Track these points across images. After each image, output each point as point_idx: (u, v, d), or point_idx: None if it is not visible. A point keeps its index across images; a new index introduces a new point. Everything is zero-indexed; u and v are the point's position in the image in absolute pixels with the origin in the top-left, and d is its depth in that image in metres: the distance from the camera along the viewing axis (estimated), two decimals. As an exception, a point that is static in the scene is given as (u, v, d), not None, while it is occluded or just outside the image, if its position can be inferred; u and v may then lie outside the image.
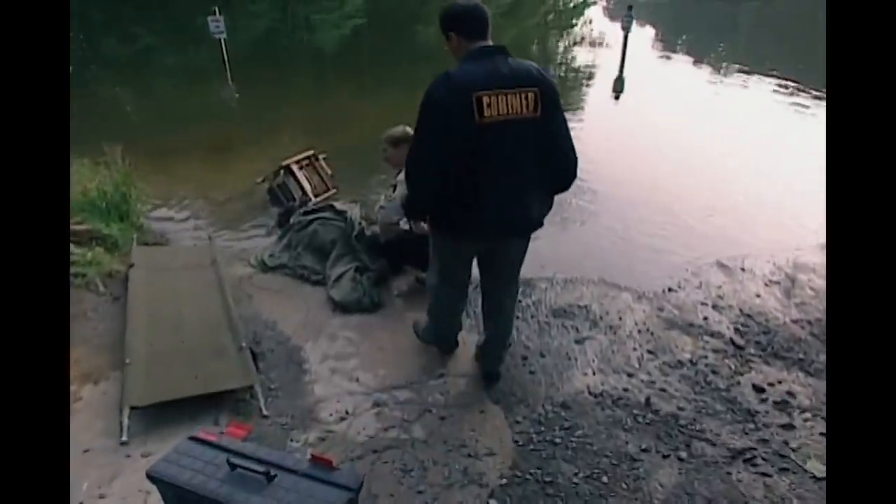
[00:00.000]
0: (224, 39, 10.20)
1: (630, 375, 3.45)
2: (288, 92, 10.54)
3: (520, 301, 4.14)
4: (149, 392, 3.00)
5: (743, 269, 4.71)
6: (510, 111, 2.52)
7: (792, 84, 10.56)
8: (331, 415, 3.08)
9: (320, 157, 5.92)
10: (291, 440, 2.90)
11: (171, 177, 6.42)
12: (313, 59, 13.98)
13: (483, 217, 2.72)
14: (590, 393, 3.29)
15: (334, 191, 5.80)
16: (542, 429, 3.02)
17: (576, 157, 2.77)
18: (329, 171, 5.93)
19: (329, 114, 9.24)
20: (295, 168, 5.57)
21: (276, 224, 5.33)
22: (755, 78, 11.42)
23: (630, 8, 10.65)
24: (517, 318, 3.95)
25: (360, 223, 4.49)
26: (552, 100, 2.62)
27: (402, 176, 3.77)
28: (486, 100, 2.47)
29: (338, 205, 4.73)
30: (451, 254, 3.09)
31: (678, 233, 5.33)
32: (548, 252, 4.94)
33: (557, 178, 2.84)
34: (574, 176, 2.85)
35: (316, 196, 5.58)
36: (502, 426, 3.04)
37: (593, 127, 8.20)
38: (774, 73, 11.30)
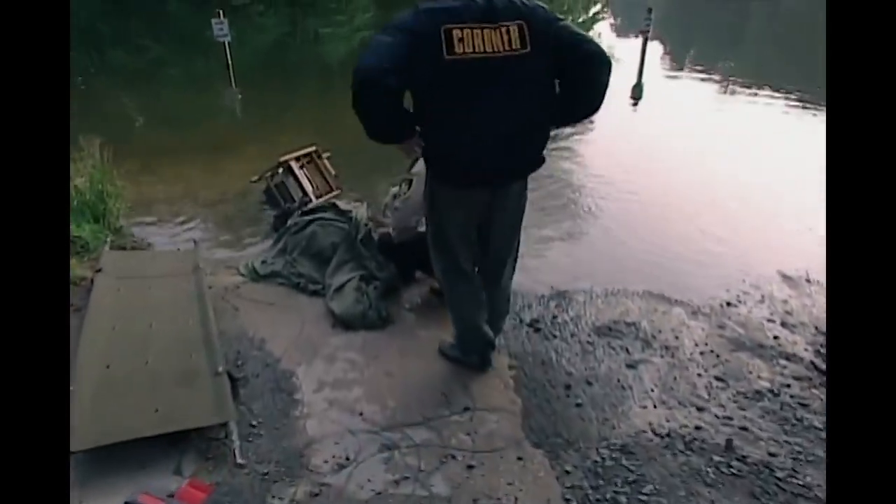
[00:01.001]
0: (228, 43, 9.58)
1: (700, 409, 2.71)
2: (292, 97, 9.88)
3: (555, 317, 3.43)
4: (93, 431, 2.27)
5: (809, 281, 3.97)
6: (489, 48, 2.18)
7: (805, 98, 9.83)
8: (326, 461, 2.35)
9: (323, 155, 5.22)
10: (273, 496, 2.17)
11: (159, 177, 5.74)
12: (321, 69, 13.33)
13: (468, 160, 2.38)
14: (654, 433, 2.55)
15: (338, 192, 5.09)
16: (600, 482, 2.28)
17: (598, 48, 2.32)
18: (332, 171, 5.24)
19: (333, 116, 8.56)
20: (295, 166, 4.88)
21: (271, 228, 4.64)
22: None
23: (650, 10, 9.98)
24: (554, 336, 3.23)
25: (366, 224, 3.78)
26: (542, 31, 2.23)
27: (418, 168, 3.09)
28: (456, 33, 2.13)
29: (341, 203, 4.02)
30: (446, 217, 2.59)
31: (729, 242, 4.58)
32: (581, 262, 4.25)
33: (585, 92, 2.42)
34: (608, 66, 2.34)
35: (318, 197, 4.88)
36: (548, 478, 2.31)
37: (615, 135, 7.48)
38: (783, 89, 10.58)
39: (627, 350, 3.14)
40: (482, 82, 2.21)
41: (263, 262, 3.91)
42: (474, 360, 2.93)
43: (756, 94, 9.96)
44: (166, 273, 3.61)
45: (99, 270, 3.46)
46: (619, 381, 2.90)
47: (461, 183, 2.46)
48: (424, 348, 3.09)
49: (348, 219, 3.81)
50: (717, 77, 11.83)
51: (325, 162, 5.21)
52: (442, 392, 2.77)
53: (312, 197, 4.86)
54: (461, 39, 2.13)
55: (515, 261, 2.87)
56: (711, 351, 3.16)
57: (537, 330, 3.33)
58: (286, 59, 13.70)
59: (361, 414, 2.62)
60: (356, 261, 3.64)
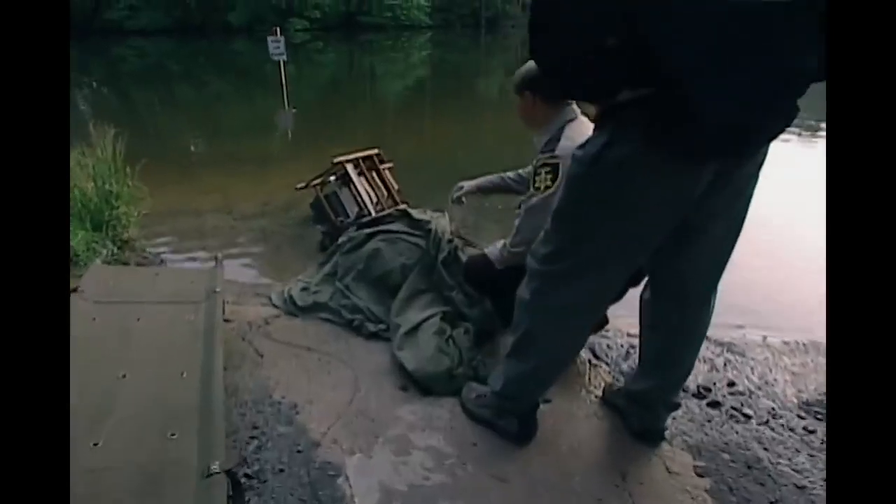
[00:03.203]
0: (284, 61, 8.71)
1: None
2: (347, 119, 8.90)
3: (732, 384, 2.17)
4: None
5: None
6: None
7: None
8: None
9: (386, 163, 4.08)
10: None
11: (193, 185, 4.71)
12: (374, 103, 12.43)
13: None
14: None
15: (403, 207, 3.91)
16: None
17: None
18: (396, 185, 4.08)
19: (392, 129, 7.57)
20: (352, 171, 3.73)
21: (318, 248, 3.49)
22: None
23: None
24: (746, 416, 1.97)
25: (450, 241, 2.57)
26: None
27: (564, 145, 1.92)
28: None
29: (415, 212, 2.83)
30: (628, 210, 1.39)
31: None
32: (732, 299, 2.92)
33: None
34: None
35: (378, 213, 3.71)
36: None
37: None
38: None
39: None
40: None
41: (304, 288, 2.74)
42: (512, 428, 1.79)
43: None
44: (168, 298, 2.44)
45: (74, 290, 2.32)
46: None
47: (693, 151, 1.25)
48: (552, 431, 1.84)
49: (426, 231, 2.61)
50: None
51: (388, 172, 4.06)
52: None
53: (372, 211, 3.69)
54: None
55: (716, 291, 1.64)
56: None
57: (714, 404, 2.04)
58: (341, 94, 12.80)
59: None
60: (436, 291, 2.43)
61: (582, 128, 2.01)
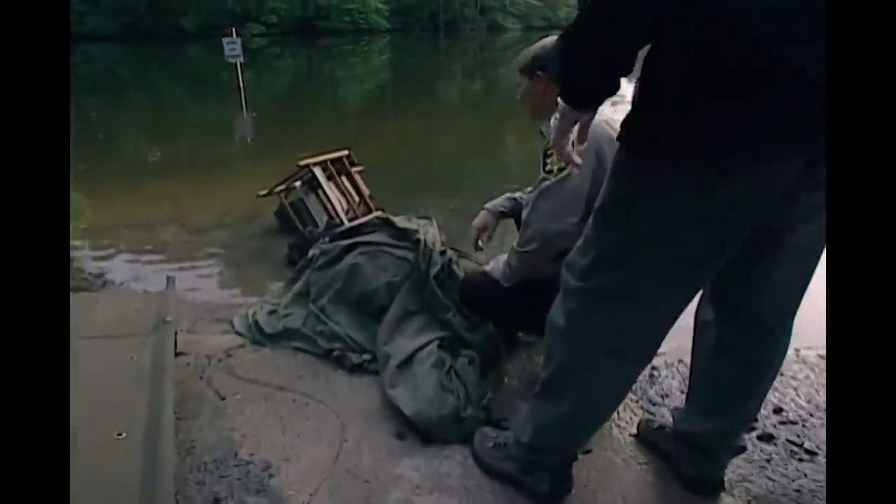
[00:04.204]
0: (241, 64, 8.21)
1: None
2: (308, 123, 8.43)
3: (780, 411, 1.85)
4: None
5: None
6: None
7: None
8: None
9: (356, 167, 3.69)
10: None
11: (142, 197, 4.23)
12: (335, 108, 11.93)
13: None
14: None
15: (378, 213, 3.53)
16: None
17: None
18: (367, 190, 3.68)
19: (355, 132, 7.17)
20: (321, 176, 3.33)
21: (286, 262, 3.08)
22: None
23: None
24: (811, 452, 1.66)
25: (443, 252, 2.20)
26: None
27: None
28: None
29: (399, 220, 2.43)
30: (682, 223, 1.07)
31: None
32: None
33: None
34: None
35: (351, 221, 3.32)
36: None
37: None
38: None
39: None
40: None
41: (272, 312, 2.33)
42: (544, 487, 1.41)
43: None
44: (107, 331, 2.01)
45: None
46: None
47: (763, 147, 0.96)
48: (588, 484, 1.48)
49: (413, 243, 2.23)
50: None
51: (359, 176, 3.66)
52: None
53: (344, 219, 3.29)
54: None
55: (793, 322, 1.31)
56: None
57: (766, 438, 1.71)
58: (301, 99, 12.25)
59: None
60: (428, 313, 2.05)
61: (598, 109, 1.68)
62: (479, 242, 2.08)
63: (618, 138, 1.10)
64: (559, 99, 1.08)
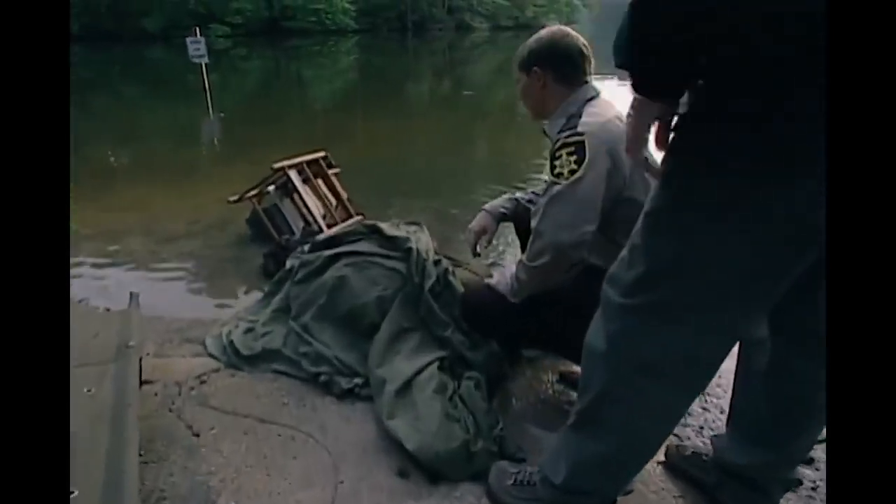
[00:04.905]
0: (206, 64, 7.88)
1: None
2: (278, 124, 8.14)
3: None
4: None
5: None
6: None
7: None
8: None
9: (333, 169, 3.46)
10: None
11: (104, 204, 3.94)
12: (304, 109, 11.60)
13: None
14: None
15: (358, 218, 3.31)
16: None
17: None
18: (345, 193, 3.46)
19: (325, 134, 6.94)
20: (296, 179, 3.10)
21: (261, 273, 2.84)
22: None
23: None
24: None
25: (437, 262, 1.99)
26: None
27: (590, 119, 1.41)
28: None
29: (387, 226, 2.22)
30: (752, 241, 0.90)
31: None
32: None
33: None
34: None
35: (330, 227, 3.10)
36: None
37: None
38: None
39: None
40: None
41: (249, 330, 2.10)
42: None
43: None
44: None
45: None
46: None
47: None
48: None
49: (404, 252, 2.01)
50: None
51: (335, 179, 3.44)
52: None
53: (323, 225, 3.07)
54: None
55: None
56: None
57: (808, 462, 1.55)
58: (269, 100, 11.89)
59: None
60: (425, 330, 1.84)
61: (607, 106, 1.52)
62: (478, 248, 1.90)
63: (673, 128, 0.92)
64: (631, 89, 0.90)
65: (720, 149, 0.87)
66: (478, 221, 1.89)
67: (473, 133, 7.85)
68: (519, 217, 1.91)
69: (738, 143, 0.85)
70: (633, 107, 0.94)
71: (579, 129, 1.41)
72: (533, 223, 1.48)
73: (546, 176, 1.46)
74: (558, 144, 1.44)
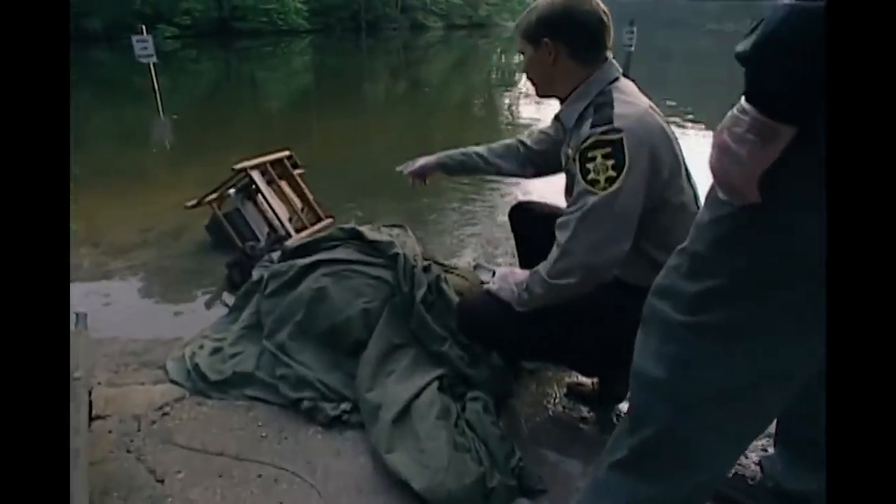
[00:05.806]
0: (154, 64, 7.46)
1: None
2: (232, 126, 7.78)
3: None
4: None
5: None
6: None
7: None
8: None
9: (300, 167, 3.22)
10: None
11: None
12: (259, 110, 11.16)
13: None
14: None
15: (328, 221, 3.07)
16: None
17: None
18: (311, 195, 3.21)
19: (282, 134, 6.64)
20: (259, 181, 2.84)
21: (225, 285, 2.58)
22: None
23: (632, 23, 8.48)
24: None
25: (427, 268, 1.78)
26: None
27: (622, 111, 1.19)
28: None
29: (368, 230, 1.99)
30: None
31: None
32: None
33: None
34: None
35: (298, 232, 2.85)
36: None
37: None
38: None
39: None
40: None
41: (216, 351, 1.86)
42: None
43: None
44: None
45: None
46: None
47: None
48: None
49: (389, 258, 1.80)
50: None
51: (301, 180, 3.19)
52: None
53: (291, 230, 2.82)
54: None
55: None
56: None
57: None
58: (222, 102, 11.42)
59: None
60: (418, 346, 1.64)
61: (635, 91, 1.33)
62: (407, 171, 1.82)
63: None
64: (746, 106, 0.71)
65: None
66: (428, 160, 1.80)
67: (433, 131, 7.66)
68: (468, 168, 1.76)
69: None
70: (752, 127, 0.72)
71: (616, 123, 1.20)
72: (560, 237, 1.26)
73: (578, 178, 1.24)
74: (591, 141, 1.21)
